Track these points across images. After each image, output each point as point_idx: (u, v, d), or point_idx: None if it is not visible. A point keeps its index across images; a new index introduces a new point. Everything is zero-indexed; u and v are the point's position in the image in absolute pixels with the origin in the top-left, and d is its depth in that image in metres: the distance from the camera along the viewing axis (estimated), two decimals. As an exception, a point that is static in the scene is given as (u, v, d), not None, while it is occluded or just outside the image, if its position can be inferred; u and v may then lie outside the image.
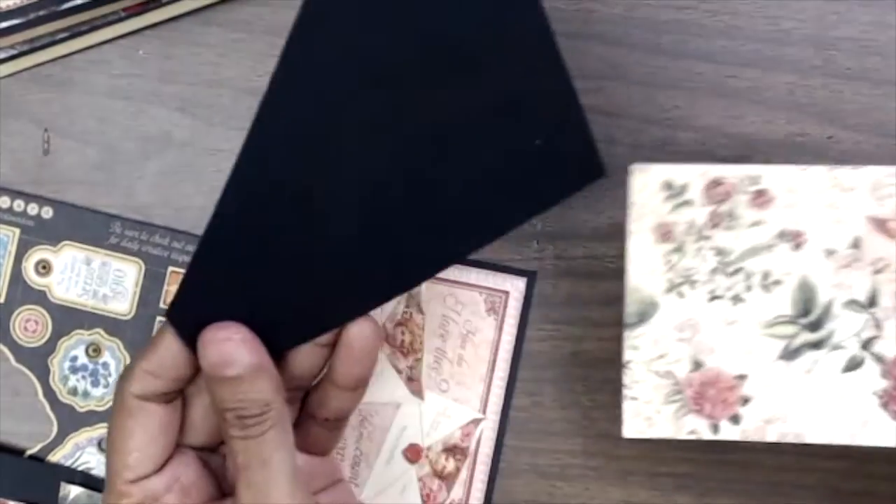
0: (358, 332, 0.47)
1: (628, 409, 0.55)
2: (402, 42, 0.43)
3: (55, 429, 0.58)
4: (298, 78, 0.43)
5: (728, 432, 0.56)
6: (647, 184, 0.52)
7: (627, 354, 0.54)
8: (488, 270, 0.57)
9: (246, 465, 0.43)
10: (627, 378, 0.55)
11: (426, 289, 0.57)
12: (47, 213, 0.58)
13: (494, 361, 0.58)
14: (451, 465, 0.58)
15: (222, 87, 0.57)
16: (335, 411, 0.50)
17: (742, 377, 0.55)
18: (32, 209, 0.58)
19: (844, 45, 0.56)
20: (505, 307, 0.57)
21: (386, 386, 0.58)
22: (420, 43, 0.43)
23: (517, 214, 0.49)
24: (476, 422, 0.58)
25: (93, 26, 0.56)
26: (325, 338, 0.48)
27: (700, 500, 0.58)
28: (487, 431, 0.58)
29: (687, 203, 0.52)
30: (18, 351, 0.58)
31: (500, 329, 0.58)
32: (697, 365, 0.55)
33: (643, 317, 0.52)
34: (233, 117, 0.57)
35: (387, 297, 0.49)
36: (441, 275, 0.57)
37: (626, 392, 0.55)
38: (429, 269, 0.49)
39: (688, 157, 0.56)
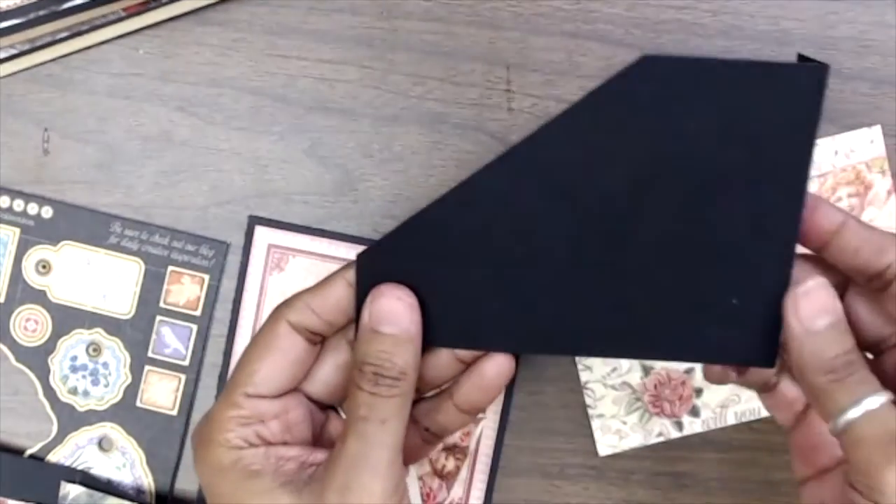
0: (496, 364, 0.49)
1: (597, 427, 0.56)
2: (668, 143, 0.44)
3: (55, 428, 0.58)
4: (579, 128, 0.45)
5: (692, 426, 0.57)
6: None
7: (583, 376, 0.56)
8: (488, 270, 0.57)
9: (365, 418, 0.44)
10: (589, 398, 0.56)
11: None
12: (47, 212, 0.58)
13: (494, 361, 0.58)
14: (451, 464, 0.58)
15: (222, 87, 0.57)
16: (440, 426, 0.51)
17: (689, 370, 0.57)
18: (32, 209, 0.58)
19: (844, 44, 0.56)
20: (505, 307, 0.57)
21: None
22: (683, 149, 0.45)
23: (683, 352, 0.48)
24: (476, 421, 0.58)
25: (93, 26, 0.56)
26: (467, 354, 0.49)
27: (700, 500, 0.58)
28: (488, 430, 0.58)
29: None
30: (18, 350, 0.58)
31: (500, 328, 0.58)
32: (647, 370, 0.57)
33: None
34: (233, 117, 0.57)
35: (550, 351, 0.50)
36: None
37: (591, 412, 0.57)
38: (596, 348, 0.49)
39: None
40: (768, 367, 0.47)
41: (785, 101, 0.43)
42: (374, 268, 0.47)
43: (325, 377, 0.49)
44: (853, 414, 0.43)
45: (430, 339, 0.47)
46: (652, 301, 0.46)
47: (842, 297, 0.46)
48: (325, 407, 0.50)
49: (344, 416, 0.51)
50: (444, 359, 0.49)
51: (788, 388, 0.49)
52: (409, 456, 0.51)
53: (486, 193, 0.46)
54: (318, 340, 0.49)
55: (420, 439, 0.51)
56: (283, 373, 0.47)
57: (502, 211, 0.46)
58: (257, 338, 0.48)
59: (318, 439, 0.50)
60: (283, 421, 0.47)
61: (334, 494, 0.44)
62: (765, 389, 0.50)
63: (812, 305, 0.44)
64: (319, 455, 0.47)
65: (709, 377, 0.49)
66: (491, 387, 0.49)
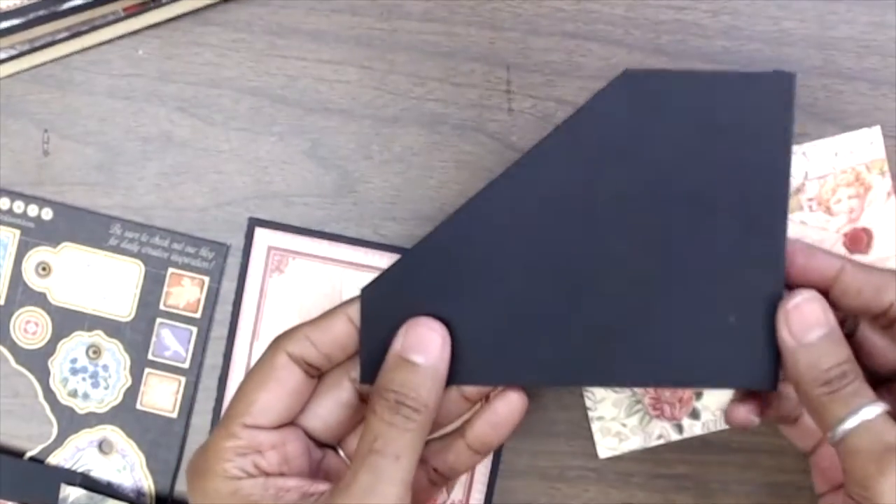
0: (508, 401, 0.49)
1: (597, 430, 0.56)
2: (665, 158, 0.46)
3: (55, 430, 0.58)
4: (568, 147, 0.46)
5: (692, 428, 0.57)
6: None
7: None
8: (489, 271, 0.57)
9: (379, 451, 0.44)
10: (589, 401, 0.56)
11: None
12: (47, 214, 0.58)
13: (495, 362, 0.58)
14: (451, 466, 0.58)
15: (222, 88, 0.57)
16: (449, 465, 0.51)
17: None
18: (32, 210, 0.58)
19: (844, 45, 0.56)
20: (505, 308, 0.57)
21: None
22: (677, 164, 0.46)
23: (686, 377, 0.49)
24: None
25: (93, 26, 0.56)
26: (473, 393, 0.50)
27: (700, 501, 0.58)
28: (488, 432, 0.58)
29: None
30: (18, 353, 0.58)
31: (500, 330, 0.58)
32: None
33: None
34: (233, 117, 0.57)
35: (557, 382, 0.51)
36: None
37: (591, 414, 0.57)
38: (601, 377, 0.50)
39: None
40: (770, 389, 0.47)
41: (758, 110, 0.45)
42: (377, 301, 0.47)
43: (324, 414, 0.49)
44: (849, 425, 0.43)
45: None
46: (653, 325, 0.47)
47: (855, 330, 0.46)
48: (323, 444, 0.50)
49: (342, 453, 0.50)
50: (451, 398, 0.49)
51: (808, 419, 0.49)
52: (415, 498, 0.50)
53: (480, 220, 0.46)
54: (316, 374, 0.49)
55: (427, 480, 0.51)
56: (280, 403, 0.47)
57: (499, 237, 0.46)
58: (255, 368, 0.48)
59: (315, 475, 0.49)
60: (281, 453, 0.47)
61: None
62: (788, 422, 0.51)
63: (803, 318, 0.45)
64: (321, 486, 0.46)
65: (732, 421, 0.50)
66: (504, 424, 0.49)
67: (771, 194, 0.45)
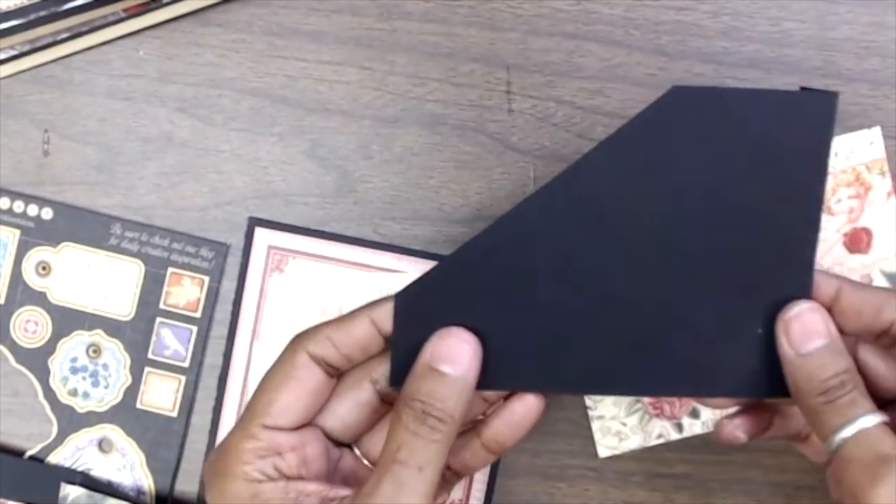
0: (525, 403, 0.48)
1: (597, 429, 0.56)
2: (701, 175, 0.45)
3: (55, 429, 0.58)
4: (628, 155, 0.45)
5: (692, 428, 0.57)
6: None
7: None
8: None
9: (403, 462, 0.44)
10: (589, 400, 0.57)
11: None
12: (47, 214, 0.58)
13: (494, 362, 0.58)
14: (451, 465, 0.58)
15: (222, 88, 0.57)
16: (464, 464, 0.50)
17: None
18: (32, 210, 0.58)
19: (844, 46, 0.56)
20: (505, 308, 0.57)
21: (386, 387, 0.58)
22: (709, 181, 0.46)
23: (710, 387, 0.48)
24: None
25: (93, 27, 0.56)
26: (492, 394, 0.49)
27: (700, 501, 0.58)
28: (487, 432, 0.58)
29: None
30: (18, 352, 0.58)
31: (500, 330, 0.58)
32: None
33: None
34: (233, 118, 0.57)
35: (581, 391, 0.51)
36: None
37: (591, 413, 0.57)
38: (625, 386, 0.49)
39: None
40: (789, 397, 0.47)
41: (799, 128, 0.45)
42: (411, 306, 0.47)
43: (343, 414, 0.49)
44: (844, 434, 0.43)
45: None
46: (680, 335, 0.47)
47: (855, 358, 0.46)
48: (340, 444, 0.50)
49: (358, 452, 0.50)
50: (473, 400, 0.49)
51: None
52: None
53: (518, 230, 0.46)
54: (335, 374, 0.48)
55: (441, 478, 0.51)
56: (300, 403, 0.47)
57: (535, 247, 0.46)
58: (275, 367, 0.48)
59: (332, 476, 0.49)
60: (300, 454, 0.47)
61: None
62: (798, 440, 0.51)
63: (803, 328, 0.45)
64: (341, 491, 0.46)
65: (720, 436, 0.49)
66: (520, 425, 0.49)
67: (805, 210, 0.45)
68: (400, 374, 0.46)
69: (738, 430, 0.49)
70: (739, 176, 0.45)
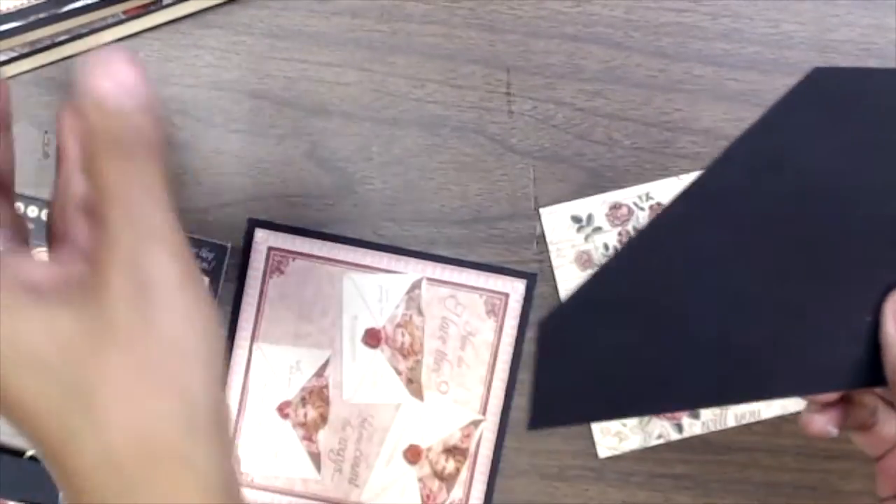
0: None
1: (597, 429, 0.57)
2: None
3: None
4: (768, 147, 0.43)
5: (692, 428, 0.57)
6: (557, 221, 0.56)
7: None
8: (488, 272, 0.57)
9: (123, 196, 0.36)
10: None
11: (426, 290, 0.58)
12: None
13: (494, 363, 0.58)
14: (451, 465, 0.58)
15: (222, 90, 0.57)
16: None
17: None
18: (32, 212, 0.58)
19: (844, 47, 0.56)
20: (505, 309, 0.58)
21: (386, 387, 0.58)
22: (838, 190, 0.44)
23: (825, 383, 0.47)
24: (476, 423, 0.58)
25: (93, 29, 0.56)
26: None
27: (700, 502, 0.58)
28: (487, 433, 0.58)
29: (596, 230, 0.56)
30: (19, 353, 0.58)
31: (500, 331, 0.58)
32: None
33: None
34: (233, 120, 0.57)
35: (719, 403, 0.49)
36: (441, 276, 0.57)
37: None
38: (754, 392, 0.47)
39: (688, 160, 0.56)
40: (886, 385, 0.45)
41: None
42: (556, 334, 0.43)
43: None
44: None
45: (618, 409, 0.45)
46: (803, 331, 0.45)
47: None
48: None
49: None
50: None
51: (884, 427, 0.48)
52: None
53: (660, 239, 0.43)
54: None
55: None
56: None
57: (677, 254, 0.43)
58: None
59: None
60: None
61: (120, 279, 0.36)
62: (863, 430, 0.50)
63: None
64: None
65: (809, 432, 0.48)
66: None
67: None
68: (543, 417, 0.43)
69: (829, 424, 0.47)
70: (880, 158, 0.44)
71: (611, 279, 0.43)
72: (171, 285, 0.37)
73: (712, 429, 0.57)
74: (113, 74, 0.37)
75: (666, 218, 0.43)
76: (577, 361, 0.43)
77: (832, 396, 0.47)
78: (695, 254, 0.43)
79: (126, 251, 0.36)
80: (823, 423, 0.47)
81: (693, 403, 0.47)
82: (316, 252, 0.57)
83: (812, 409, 0.48)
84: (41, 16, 0.53)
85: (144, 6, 0.55)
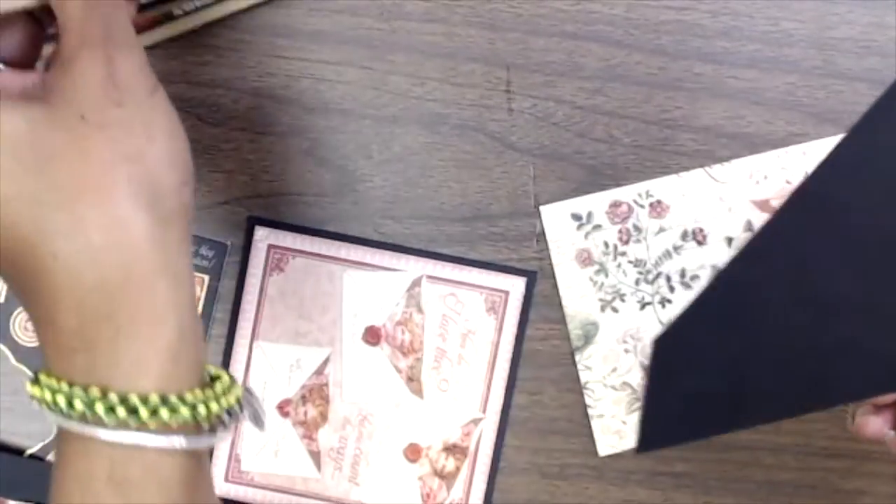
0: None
1: (597, 428, 0.57)
2: None
3: (55, 428, 0.58)
4: (860, 156, 0.42)
5: None
6: (557, 219, 0.56)
7: (583, 376, 0.57)
8: (488, 270, 0.57)
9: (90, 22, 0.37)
10: (589, 398, 0.57)
11: (426, 288, 0.57)
12: (47, 212, 0.58)
13: (495, 361, 0.58)
14: (451, 464, 0.58)
15: (223, 88, 0.57)
16: None
17: None
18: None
19: (844, 45, 0.56)
20: (505, 307, 0.58)
21: (386, 385, 0.58)
22: None
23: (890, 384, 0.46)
24: (476, 421, 0.58)
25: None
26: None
27: (700, 501, 0.58)
28: (487, 431, 0.58)
29: (596, 227, 0.56)
30: (18, 350, 0.58)
31: (500, 329, 0.58)
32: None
33: (587, 338, 0.56)
34: (234, 118, 0.57)
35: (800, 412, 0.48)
36: (441, 274, 0.57)
37: (591, 412, 0.57)
38: (826, 400, 0.47)
39: (688, 158, 0.56)
40: None
41: None
42: (669, 350, 0.43)
43: None
44: None
45: (721, 425, 0.44)
46: (878, 334, 0.44)
47: None
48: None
49: None
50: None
51: None
52: None
53: (760, 256, 0.43)
54: None
55: None
56: None
57: (777, 267, 0.43)
58: None
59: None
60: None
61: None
62: None
63: None
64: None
65: (864, 434, 0.48)
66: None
67: None
68: (654, 438, 0.43)
69: (885, 426, 0.47)
70: None
71: (718, 295, 0.43)
72: (140, 86, 0.38)
73: (712, 428, 0.57)
74: None
75: (769, 231, 0.42)
76: (686, 379, 0.43)
77: (890, 398, 0.47)
78: (797, 262, 0.43)
79: (99, 48, 0.37)
80: (880, 425, 0.47)
81: (779, 414, 0.46)
82: (316, 250, 0.57)
83: (867, 411, 0.48)
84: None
85: (155, 20, 0.55)
